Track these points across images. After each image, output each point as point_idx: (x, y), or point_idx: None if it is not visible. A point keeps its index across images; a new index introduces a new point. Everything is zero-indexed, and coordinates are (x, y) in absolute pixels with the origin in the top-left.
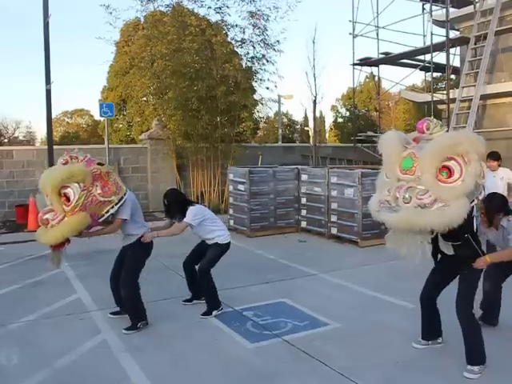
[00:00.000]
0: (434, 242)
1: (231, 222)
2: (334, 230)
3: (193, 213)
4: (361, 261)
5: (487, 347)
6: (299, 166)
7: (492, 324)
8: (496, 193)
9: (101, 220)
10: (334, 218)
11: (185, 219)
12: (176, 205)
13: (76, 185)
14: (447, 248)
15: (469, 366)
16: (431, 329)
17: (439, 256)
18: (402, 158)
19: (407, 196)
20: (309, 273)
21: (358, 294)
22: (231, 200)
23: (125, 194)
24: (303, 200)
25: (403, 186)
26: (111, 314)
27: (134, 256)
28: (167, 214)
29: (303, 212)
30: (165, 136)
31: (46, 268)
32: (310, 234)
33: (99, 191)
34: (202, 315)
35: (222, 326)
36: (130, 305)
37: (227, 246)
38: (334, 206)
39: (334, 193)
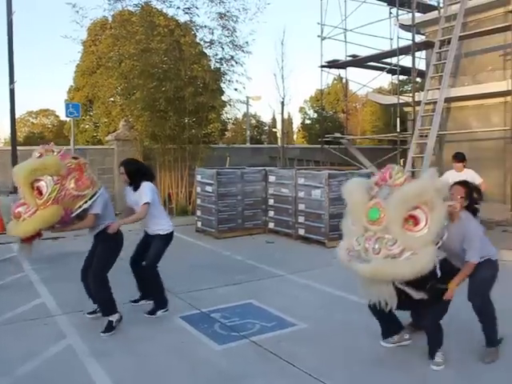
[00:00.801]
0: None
1: (199, 224)
2: (301, 231)
3: (149, 188)
4: (328, 261)
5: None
6: (267, 168)
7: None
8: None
9: (73, 214)
10: (301, 219)
11: (144, 199)
12: (139, 172)
13: (49, 178)
14: (415, 294)
15: (434, 360)
16: (389, 327)
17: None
18: (368, 208)
19: (376, 247)
20: (276, 274)
21: (325, 295)
22: (199, 201)
23: (99, 189)
24: (271, 201)
25: (372, 237)
26: (88, 313)
27: (105, 248)
28: (133, 181)
29: (271, 213)
30: (132, 137)
31: (8, 271)
32: (278, 235)
33: (73, 185)
34: (147, 314)
35: (189, 328)
36: (102, 296)
37: (170, 236)
38: (301, 207)
39: (301, 194)
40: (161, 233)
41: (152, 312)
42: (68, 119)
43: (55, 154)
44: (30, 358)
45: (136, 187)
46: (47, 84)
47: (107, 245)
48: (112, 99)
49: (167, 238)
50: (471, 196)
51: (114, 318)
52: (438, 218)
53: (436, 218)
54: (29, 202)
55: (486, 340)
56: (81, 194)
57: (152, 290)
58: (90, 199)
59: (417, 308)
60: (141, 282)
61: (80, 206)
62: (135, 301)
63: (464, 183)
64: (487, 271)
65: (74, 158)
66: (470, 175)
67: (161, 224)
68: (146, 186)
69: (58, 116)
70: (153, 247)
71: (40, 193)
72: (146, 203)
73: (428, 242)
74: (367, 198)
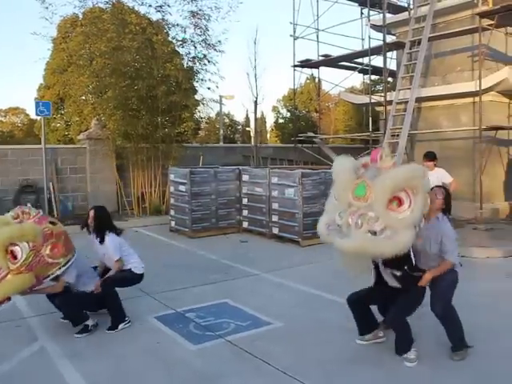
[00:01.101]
0: (376, 270)
1: (172, 224)
2: (275, 230)
3: (114, 243)
4: (302, 260)
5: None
6: (240, 167)
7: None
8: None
9: (45, 280)
10: (275, 218)
11: (115, 256)
12: (106, 221)
13: (25, 244)
14: (390, 280)
15: (405, 355)
16: (366, 324)
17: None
18: (356, 185)
19: (359, 222)
20: (251, 273)
21: (299, 293)
22: (172, 201)
23: (73, 256)
24: (244, 200)
25: (355, 212)
26: (62, 318)
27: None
28: (97, 228)
29: (245, 212)
30: (104, 136)
31: None
32: (252, 234)
33: (48, 252)
34: (108, 330)
35: (164, 329)
36: (68, 310)
37: (140, 277)
38: (275, 206)
39: (274, 193)
40: (134, 270)
41: (113, 327)
42: (38, 118)
43: (32, 217)
44: (3, 360)
45: (101, 240)
46: (16, 82)
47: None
48: (84, 98)
49: (137, 278)
50: (448, 201)
51: (89, 322)
52: (421, 203)
53: (419, 202)
54: (0, 265)
55: (452, 345)
56: (55, 261)
57: (110, 306)
58: (63, 266)
59: (386, 303)
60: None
61: (53, 273)
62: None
63: (443, 188)
64: (449, 276)
65: (51, 222)
66: (440, 174)
67: (135, 263)
68: (110, 241)
69: (28, 114)
70: (120, 274)
71: (14, 257)
72: (117, 260)
73: (409, 224)
74: (354, 176)
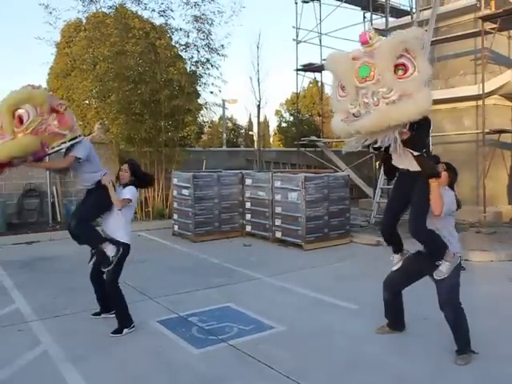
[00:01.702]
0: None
1: (176, 227)
2: (278, 234)
3: (134, 193)
4: (305, 264)
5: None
6: (243, 171)
7: (398, 330)
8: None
9: (50, 152)
10: (278, 222)
11: (127, 195)
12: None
13: (33, 108)
14: (406, 162)
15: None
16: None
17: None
18: (358, 68)
19: (375, 99)
20: (254, 277)
21: (302, 297)
22: (175, 205)
23: (80, 136)
24: (248, 204)
25: (367, 93)
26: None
27: (97, 196)
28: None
29: (248, 216)
30: (107, 140)
31: None
32: (255, 238)
33: (55, 122)
34: (112, 333)
35: (166, 333)
36: (86, 234)
37: (128, 247)
38: (278, 209)
39: (277, 197)
40: (122, 240)
41: (118, 331)
42: None
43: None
44: (4, 365)
45: (126, 185)
46: (20, 86)
47: (99, 193)
48: (87, 102)
49: (125, 249)
50: (453, 176)
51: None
52: (423, 63)
53: (421, 62)
54: (5, 130)
55: (457, 347)
56: (62, 132)
57: (114, 306)
58: (69, 141)
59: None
60: (102, 296)
61: (59, 145)
62: (96, 313)
63: (446, 163)
64: (453, 278)
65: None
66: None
67: (124, 234)
68: (129, 189)
69: None
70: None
71: (20, 121)
72: (124, 200)
73: (421, 85)
74: (351, 63)
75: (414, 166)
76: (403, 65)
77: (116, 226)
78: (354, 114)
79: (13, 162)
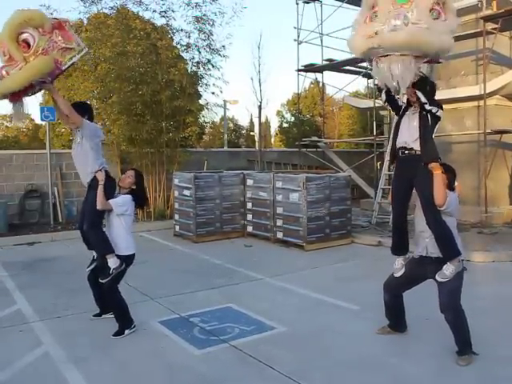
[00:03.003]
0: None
1: (177, 228)
2: (279, 235)
3: (127, 202)
4: (306, 264)
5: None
6: (245, 171)
7: (399, 331)
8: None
9: (64, 68)
10: (279, 223)
11: (117, 204)
12: (140, 188)
13: (35, 30)
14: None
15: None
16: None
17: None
18: None
19: (405, 21)
20: (255, 277)
21: (303, 297)
22: (177, 205)
23: (85, 47)
24: (249, 205)
25: (399, 14)
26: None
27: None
28: (137, 195)
29: (249, 217)
30: (109, 141)
31: None
32: (256, 238)
33: (60, 38)
34: (114, 335)
35: (168, 333)
36: (97, 238)
37: (132, 257)
38: (279, 210)
39: (279, 197)
40: (123, 252)
41: (119, 333)
42: (43, 123)
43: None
44: (5, 366)
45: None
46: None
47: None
48: (88, 102)
49: (128, 259)
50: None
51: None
52: (452, 12)
53: (451, 13)
54: (15, 57)
55: (458, 349)
56: (68, 46)
57: (114, 309)
58: (78, 53)
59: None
60: (100, 298)
61: (70, 59)
62: (97, 314)
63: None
64: (455, 281)
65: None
66: None
67: (126, 246)
68: (123, 197)
69: (33, 120)
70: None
71: (27, 45)
72: (109, 205)
73: (448, 30)
74: None
75: (414, 139)
76: (436, 10)
77: (119, 238)
78: (376, 33)
79: (34, 86)
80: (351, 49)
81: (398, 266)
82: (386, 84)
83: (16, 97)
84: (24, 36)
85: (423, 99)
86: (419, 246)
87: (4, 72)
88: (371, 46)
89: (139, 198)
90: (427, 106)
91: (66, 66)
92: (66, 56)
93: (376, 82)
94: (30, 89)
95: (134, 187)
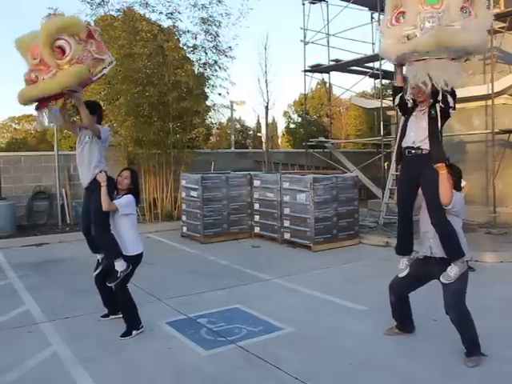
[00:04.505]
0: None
1: (184, 229)
2: (287, 235)
3: (131, 202)
4: (313, 265)
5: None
6: (252, 172)
7: (407, 331)
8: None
9: (94, 78)
10: (286, 223)
11: (122, 204)
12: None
13: (71, 37)
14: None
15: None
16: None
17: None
18: None
19: (437, 23)
20: (262, 278)
21: (311, 298)
22: (184, 206)
23: (113, 60)
24: (256, 206)
25: (432, 16)
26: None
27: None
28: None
29: (256, 217)
30: (116, 142)
31: None
32: (264, 239)
33: (94, 48)
34: (121, 336)
35: (175, 334)
36: (105, 241)
37: (140, 256)
38: (286, 211)
39: (286, 198)
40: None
41: (126, 333)
42: (51, 125)
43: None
44: (14, 367)
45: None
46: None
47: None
48: (99, 102)
49: (136, 259)
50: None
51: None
52: (484, 10)
53: (482, 10)
54: (49, 63)
55: (466, 350)
56: (101, 57)
57: (122, 309)
58: (108, 65)
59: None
60: (108, 299)
61: (101, 70)
62: (105, 315)
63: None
64: (460, 282)
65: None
66: None
67: (131, 246)
68: (127, 197)
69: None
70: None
71: (63, 52)
72: (113, 206)
73: (480, 28)
74: None
75: (421, 139)
76: (467, 8)
77: (126, 238)
78: (408, 37)
79: (63, 94)
80: (384, 55)
81: (403, 267)
82: (421, 87)
83: (44, 103)
84: (60, 42)
85: (451, 103)
86: (423, 246)
87: (33, 75)
88: (406, 51)
89: (138, 195)
90: (452, 111)
91: (96, 77)
92: (97, 67)
93: (393, 83)
94: (59, 96)
95: (132, 186)
